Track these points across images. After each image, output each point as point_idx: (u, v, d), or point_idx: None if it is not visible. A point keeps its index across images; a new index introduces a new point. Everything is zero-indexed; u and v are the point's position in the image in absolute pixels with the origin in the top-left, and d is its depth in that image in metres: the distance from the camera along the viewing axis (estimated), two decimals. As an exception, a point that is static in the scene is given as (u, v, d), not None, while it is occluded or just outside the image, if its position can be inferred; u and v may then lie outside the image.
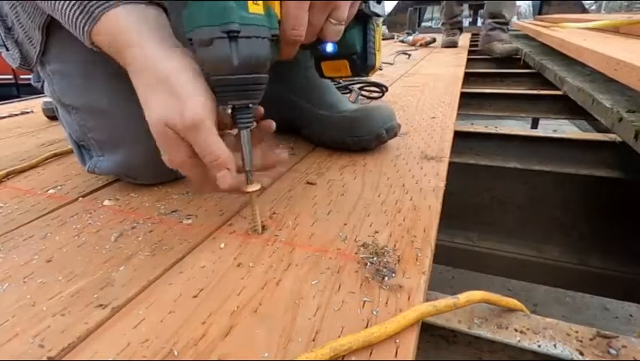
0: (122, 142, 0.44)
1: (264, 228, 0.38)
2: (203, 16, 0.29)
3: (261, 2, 0.30)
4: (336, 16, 0.35)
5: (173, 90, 0.31)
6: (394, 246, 0.35)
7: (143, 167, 0.45)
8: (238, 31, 0.29)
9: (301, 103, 0.62)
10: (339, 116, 0.58)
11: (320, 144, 0.61)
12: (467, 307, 0.30)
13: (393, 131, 0.57)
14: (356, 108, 0.58)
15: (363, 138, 0.56)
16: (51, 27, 0.41)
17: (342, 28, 0.36)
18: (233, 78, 0.31)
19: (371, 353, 0.24)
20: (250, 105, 0.33)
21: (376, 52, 0.43)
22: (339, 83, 0.92)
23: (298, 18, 0.33)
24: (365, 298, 0.28)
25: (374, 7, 0.40)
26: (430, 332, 0.30)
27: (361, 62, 0.43)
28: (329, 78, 0.49)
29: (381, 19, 0.40)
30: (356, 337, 0.24)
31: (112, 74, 0.41)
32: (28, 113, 1.01)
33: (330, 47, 0.41)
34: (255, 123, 0.35)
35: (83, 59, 0.42)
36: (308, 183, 0.49)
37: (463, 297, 0.28)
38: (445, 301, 0.27)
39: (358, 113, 0.57)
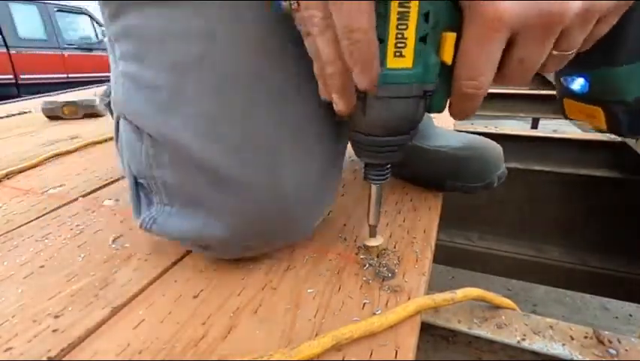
0: (209, 202, 0.28)
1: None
2: None
3: (409, 53, 0.21)
4: (564, 46, 0.21)
5: None
6: (394, 247, 0.35)
7: (223, 243, 0.30)
8: (364, 93, 0.23)
9: None
10: (440, 152, 0.45)
11: (401, 178, 0.50)
12: (467, 307, 0.30)
13: (503, 179, 0.46)
14: (460, 146, 0.45)
15: (467, 186, 0.45)
16: None
17: (569, 57, 0.22)
18: (363, 137, 0.27)
19: (371, 354, 0.24)
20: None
21: None
22: None
23: (478, 64, 0.21)
24: (365, 300, 0.28)
25: None
26: (430, 332, 0.30)
27: (634, 118, 0.25)
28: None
29: None
30: (357, 326, 0.24)
31: (213, 86, 0.26)
32: (26, 113, 1.01)
33: (576, 83, 0.26)
34: (387, 179, 0.30)
35: (173, 61, 0.26)
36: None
37: (461, 292, 0.29)
38: (443, 296, 0.28)
39: (465, 152, 0.45)
